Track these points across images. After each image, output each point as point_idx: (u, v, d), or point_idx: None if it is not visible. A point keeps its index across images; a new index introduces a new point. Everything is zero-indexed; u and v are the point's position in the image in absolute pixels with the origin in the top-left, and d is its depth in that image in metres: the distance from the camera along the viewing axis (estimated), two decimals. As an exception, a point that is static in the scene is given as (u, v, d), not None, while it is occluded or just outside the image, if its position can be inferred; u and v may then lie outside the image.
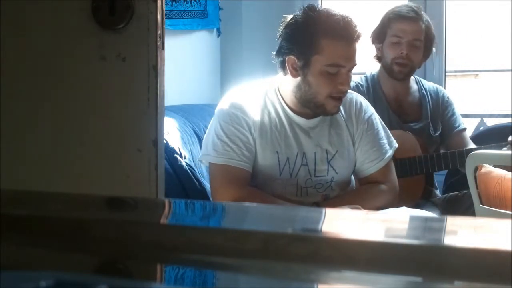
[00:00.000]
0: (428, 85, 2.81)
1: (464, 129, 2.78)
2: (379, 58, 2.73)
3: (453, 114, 2.76)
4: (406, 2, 2.78)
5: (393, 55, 2.64)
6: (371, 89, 2.73)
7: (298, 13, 2.11)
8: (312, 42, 2.05)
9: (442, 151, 2.70)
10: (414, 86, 2.78)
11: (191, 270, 0.65)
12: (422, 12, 2.69)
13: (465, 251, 0.56)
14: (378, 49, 2.72)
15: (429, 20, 2.69)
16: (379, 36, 2.70)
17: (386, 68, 2.69)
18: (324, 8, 2.14)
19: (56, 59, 1.40)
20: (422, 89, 2.77)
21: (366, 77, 2.77)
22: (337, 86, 2.06)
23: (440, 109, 2.75)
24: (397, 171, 2.33)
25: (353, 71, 2.13)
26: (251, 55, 3.34)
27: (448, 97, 2.78)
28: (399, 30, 2.64)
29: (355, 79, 2.76)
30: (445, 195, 2.72)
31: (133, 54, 1.37)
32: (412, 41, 2.63)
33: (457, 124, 2.75)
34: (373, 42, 2.73)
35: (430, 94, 2.77)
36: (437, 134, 2.73)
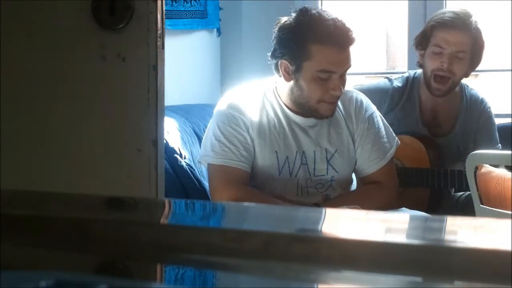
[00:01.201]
0: (472, 93, 2.57)
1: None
2: (421, 65, 2.55)
3: (490, 132, 2.54)
4: (453, 8, 2.58)
5: (433, 66, 2.46)
6: (407, 91, 2.56)
7: (291, 15, 2.09)
8: (302, 48, 2.03)
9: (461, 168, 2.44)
10: (458, 99, 2.56)
11: (191, 270, 0.65)
12: (472, 18, 2.45)
13: (465, 251, 0.56)
14: (420, 55, 2.54)
15: (478, 27, 2.47)
16: (421, 43, 2.52)
17: (425, 79, 2.51)
18: (316, 12, 2.07)
19: (56, 59, 1.40)
20: (464, 98, 2.56)
21: (407, 77, 2.60)
22: (328, 91, 2.05)
23: (477, 124, 2.54)
24: (401, 180, 2.28)
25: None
26: (251, 55, 3.34)
27: (489, 109, 2.56)
28: (441, 39, 2.44)
29: (396, 81, 2.60)
30: (453, 195, 2.61)
31: (133, 54, 1.37)
32: (456, 53, 2.43)
33: (492, 145, 2.50)
34: (416, 48, 2.55)
35: (471, 106, 2.55)
36: (467, 152, 2.42)
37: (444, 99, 2.54)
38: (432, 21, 2.51)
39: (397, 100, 2.57)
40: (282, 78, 2.10)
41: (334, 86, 2.05)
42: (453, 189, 2.60)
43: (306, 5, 2.13)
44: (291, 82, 2.09)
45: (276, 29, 2.10)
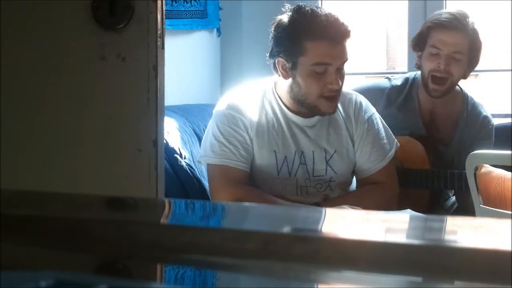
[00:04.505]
0: (476, 108, 2.53)
1: None
2: (419, 67, 2.52)
3: (486, 147, 2.41)
4: (449, 9, 2.57)
5: (430, 67, 2.43)
6: (407, 90, 2.54)
7: (285, 14, 2.11)
8: (296, 44, 2.05)
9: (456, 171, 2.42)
10: (458, 105, 2.53)
11: (191, 270, 0.65)
12: (468, 19, 2.43)
13: (465, 251, 0.56)
14: (418, 57, 2.51)
15: (475, 27, 2.44)
16: (418, 44, 2.50)
17: (423, 80, 2.49)
18: (310, 9, 2.09)
19: (56, 59, 1.40)
20: (464, 111, 2.52)
21: (407, 77, 2.58)
22: (326, 85, 2.06)
23: (474, 138, 2.49)
24: (402, 181, 2.28)
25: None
26: (251, 55, 3.34)
27: (491, 126, 2.52)
28: (438, 41, 2.42)
29: (395, 80, 2.60)
30: (453, 197, 2.59)
31: (133, 54, 1.37)
32: (452, 54, 2.40)
33: None
34: (414, 49, 2.53)
35: (472, 119, 2.51)
36: (460, 163, 2.40)
37: (443, 102, 2.51)
38: (428, 22, 2.49)
39: (394, 98, 2.55)
40: (281, 76, 2.11)
41: (331, 79, 2.05)
42: (453, 191, 2.58)
43: (300, 4, 2.14)
44: (290, 80, 2.10)
45: (272, 28, 2.12)
